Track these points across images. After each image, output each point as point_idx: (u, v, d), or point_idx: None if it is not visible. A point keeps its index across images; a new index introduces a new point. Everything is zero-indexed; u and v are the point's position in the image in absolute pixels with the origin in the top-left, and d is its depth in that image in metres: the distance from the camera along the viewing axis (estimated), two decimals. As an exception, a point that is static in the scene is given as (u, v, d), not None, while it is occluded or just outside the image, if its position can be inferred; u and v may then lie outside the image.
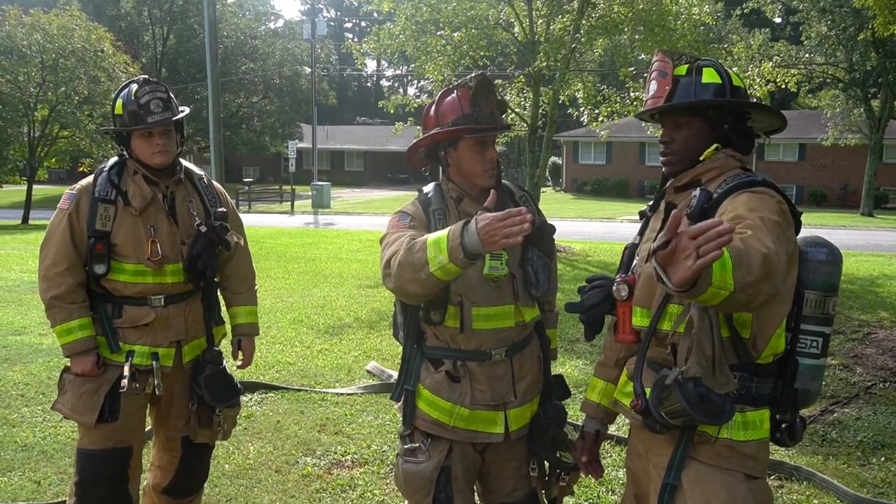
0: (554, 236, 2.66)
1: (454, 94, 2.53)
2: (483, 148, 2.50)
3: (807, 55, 29.05)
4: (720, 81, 2.18)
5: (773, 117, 2.29)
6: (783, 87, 15.09)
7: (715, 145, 2.16)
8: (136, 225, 3.05)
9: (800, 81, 19.68)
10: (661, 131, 2.31)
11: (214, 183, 3.38)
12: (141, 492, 3.34)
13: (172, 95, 3.16)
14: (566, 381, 2.78)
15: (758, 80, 14.28)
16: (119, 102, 3.11)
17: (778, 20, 36.91)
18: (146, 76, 3.20)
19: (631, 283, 2.28)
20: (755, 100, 14.33)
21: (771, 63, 15.45)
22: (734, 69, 10.42)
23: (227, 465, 4.47)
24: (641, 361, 2.19)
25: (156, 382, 3.06)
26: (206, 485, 4.18)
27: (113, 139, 3.30)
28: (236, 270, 3.42)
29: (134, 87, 3.10)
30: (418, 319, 2.53)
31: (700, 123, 2.19)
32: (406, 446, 2.56)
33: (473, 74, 2.54)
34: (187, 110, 3.30)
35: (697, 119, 2.19)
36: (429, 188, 2.62)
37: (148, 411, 3.26)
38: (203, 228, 3.16)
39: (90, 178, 3.12)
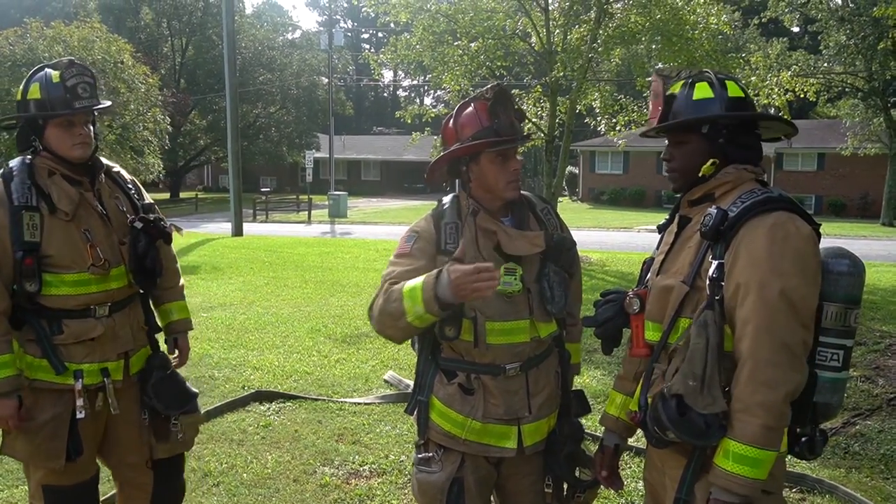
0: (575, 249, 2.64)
1: (472, 107, 2.50)
2: (505, 160, 2.47)
3: (825, 64, 28.88)
4: (712, 96, 2.17)
5: (780, 124, 2.28)
6: (802, 96, 14.99)
7: (712, 160, 2.16)
8: (68, 231, 2.72)
9: (818, 91, 19.53)
10: None
11: (126, 174, 3.08)
12: None
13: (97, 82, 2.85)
14: (586, 397, 2.75)
15: (776, 90, 14.19)
16: (35, 86, 2.73)
17: (796, 29, 36.71)
18: (71, 58, 2.84)
19: (643, 296, 2.29)
20: (773, 109, 14.32)
21: (789, 72, 15.35)
22: (752, 79, 10.32)
23: (245, 475, 4.49)
24: (649, 375, 2.20)
25: (111, 402, 2.80)
26: (224, 493, 4.22)
27: (17, 131, 2.83)
28: (166, 265, 3.05)
29: (53, 70, 2.75)
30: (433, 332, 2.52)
31: (696, 139, 2.19)
32: (420, 456, 2.57)
33: (490, 86, 2.50)
34: (109, 102, 2.97)
35: (693, 135, 2.19)
36: (447, 199, 2.60)
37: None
38: (139, 224, 2.87)
39: None
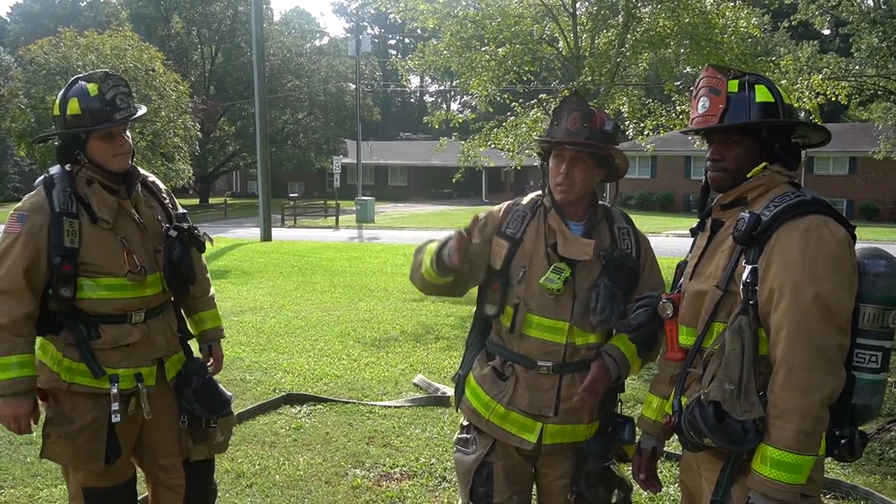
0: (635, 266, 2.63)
1: (560, 108, 2.59)
2: (559, 162, 2.56)
3: (857, 67, 28.48)
4: (773, 100, 2.17)
5: (819, 133, 2.28)
6: (833, 99, 14.83)
7: (763, 164, 2.16)
8: (107, 238, 2.78)
9: (850, 94, 19.28)
10: (706, 145, 2.31)
11: (161, 184, 3.14)
12: None
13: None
14: (634, 427, 2.67)
15: (807, 93, 14.06)
16: (73, 101, 2.75)
17: (827, 32, 36.28)
18: (105, 70, 2.88)
19: (676, 300, 2.29)
20: (803, 112, 14.16)
21: (821, 75, 15.19)
22: (782, 82, 10.23)
23: (277, 476, 4.54)
24: (683, 379, 2.20)
25: (144, 407, 2.84)
26: (257, 494, 4.27)
27: (58, 146, 2.87)
28: (198, 274, 3.11)
29: (88, 83, 2.77)
30: None
31: (752, 142, 2.19)
32: (460, 435, 2.71)
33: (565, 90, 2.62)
34: (145, 108, 3.00)
35: (750, 138, 2.19)
36: (534, 193, 2.74)
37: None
38: (173, 233, 2.93)
39: (40, 194, 2.76)
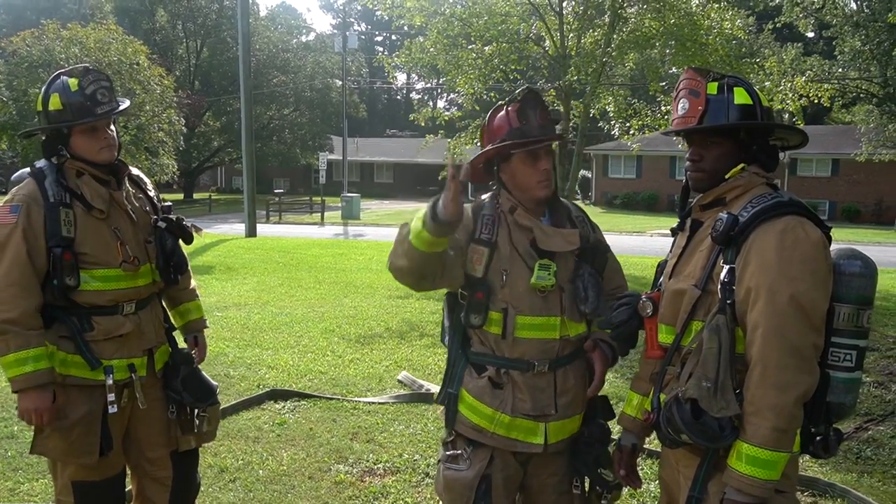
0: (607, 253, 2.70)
1: (504, 110, 2.58)
2: (535, 160, 2.53)
3: (840, 70, 28.75)
4: (751, 102, 2.21)
5: (797, 135, 2.32)
6: (816, 101, 14.96)
7: (741, 165, 2.20)
8: (100, 229, 2.81)
9: (833, 96, 19.47)
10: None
11: (145, 177, 3.17)
12: None
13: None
14: (610, 402, 2.77)
15: (790, 95, 14.17)
16: (55, 97, 2.78)
17: (811, 35, 36.59)
18: (86, 65, 2.90)
19: (656, 299, 2.33)
20: (787, 114, 14.24)
21: (804, 77, 15.32)
22: (766, 84, 10.29)
23: (261, 471, 4.54)
24: (662, 376, 2.25)
25: (139, 397, 2.88)
26: (240, 489, 4.28)
27: (43, 141, 2.88)
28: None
29: (70, 78, 2.79)
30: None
31: (731, 143, 2.22)
32: (448, 453, 2.60)
33: (522, 88, 2.58)
34: (128, 102, 3.01)
35: (729, 139, 2.22)
36: (486, 196, 2.68)
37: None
38: (162, 224, 2.98)
39: (31, 185, 2.77)
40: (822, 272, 2.05)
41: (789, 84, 14.46)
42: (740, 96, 2.20)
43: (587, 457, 2.59)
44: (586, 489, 2.66)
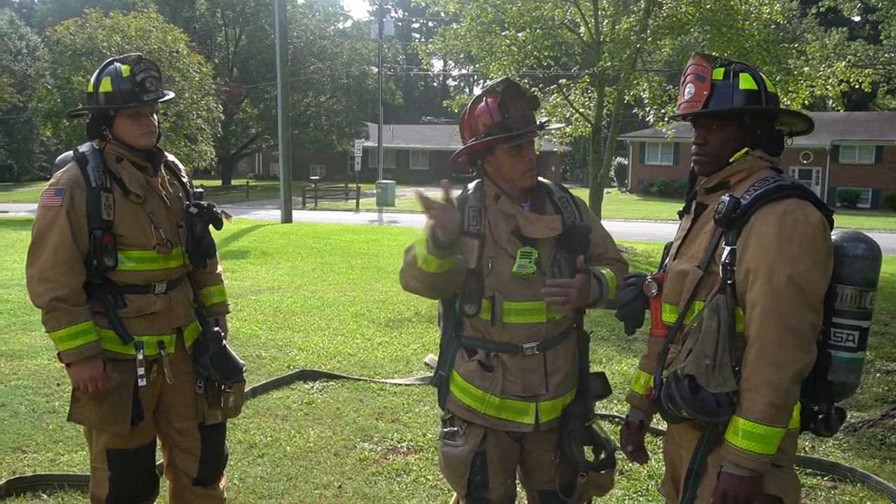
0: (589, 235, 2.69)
1: (484, 102, 2.61)
2: (519, 151, 2.59)
3: (886, 55, 28.07)
4: (756, 87, 2.24)
5: (803, 121, 2.35)
6: (857, 87, 14.67)
7: (745, 149, 2.24)
8: (136, 212, 2.95)
9: (877, 82, 19.05)
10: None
11: (179, 164, 3.30)
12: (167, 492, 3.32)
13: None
14: (608, 380, 2.82)
15: (830, 80, 13.92)
16: (106, 80, 2.93)
17: (857, 18, 35.75)
18: (139, 54, 3.07)
19: (660, 280, 2.40)
20: (830, 100, 13.98)
21: (844, 63, 15.02)
22: (805, 69, 10.12)
23: (288, 448, 4.68)
24: (664, 355, 2.31)
25: (167, 372, 3.01)
26: (268, 464, 4.42)
27: (89, 121, 3.05)
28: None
29: (122, 65, 2.95)
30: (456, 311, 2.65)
31: (735, 127, 2.26)
32: (445, 430, 2.70)
33: (500, 79, 2.62)
34: (172, 94, 3.14)
35: (733, 123, 2.26)
36: (472, 185, 2.72)
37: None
38: (194, 209, 3.12)
39: (74, 169, 2.92)
40: (821, 253, 2.09)
41: (829, 69, 14.20)
42: (745, 82, 2.24)
43: (563, 431, 2.65)
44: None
